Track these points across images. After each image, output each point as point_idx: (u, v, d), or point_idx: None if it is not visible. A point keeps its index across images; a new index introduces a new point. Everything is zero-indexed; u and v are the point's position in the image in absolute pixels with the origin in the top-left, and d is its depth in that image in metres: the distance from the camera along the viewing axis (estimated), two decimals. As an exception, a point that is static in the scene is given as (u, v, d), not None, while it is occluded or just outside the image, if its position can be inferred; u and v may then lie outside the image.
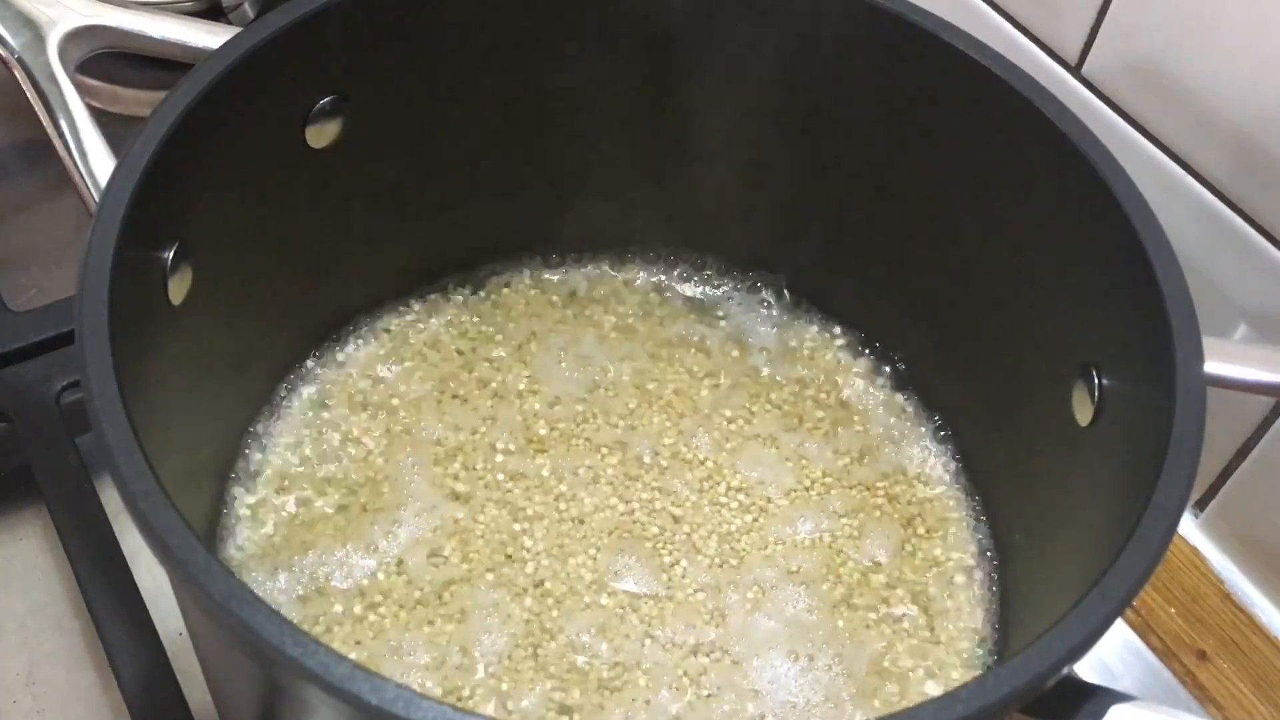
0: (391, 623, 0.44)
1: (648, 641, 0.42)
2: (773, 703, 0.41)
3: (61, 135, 0.42)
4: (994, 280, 0.48)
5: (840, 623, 0.45)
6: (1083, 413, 0.43)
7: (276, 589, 0.45)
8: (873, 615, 0.46)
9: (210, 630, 0.37)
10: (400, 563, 0.46)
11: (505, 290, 0.55)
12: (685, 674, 0.41)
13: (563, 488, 0.48)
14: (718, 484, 0.49)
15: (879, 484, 0.50)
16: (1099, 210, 0.41)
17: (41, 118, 0.42)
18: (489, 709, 0.40)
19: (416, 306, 0.54)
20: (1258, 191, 0.50)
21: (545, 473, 0.48)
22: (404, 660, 0.42)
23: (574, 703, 0.40)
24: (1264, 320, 0.52)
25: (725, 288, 0.56)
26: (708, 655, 0.42)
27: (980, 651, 0.47)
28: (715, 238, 0.56)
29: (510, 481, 0.48)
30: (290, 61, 0.42)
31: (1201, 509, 0.58)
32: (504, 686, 0.40)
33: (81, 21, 0.44)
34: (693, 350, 0.54)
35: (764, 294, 0.56)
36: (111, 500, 0.51)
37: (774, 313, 0.55)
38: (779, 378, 0.53)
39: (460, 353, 0.53)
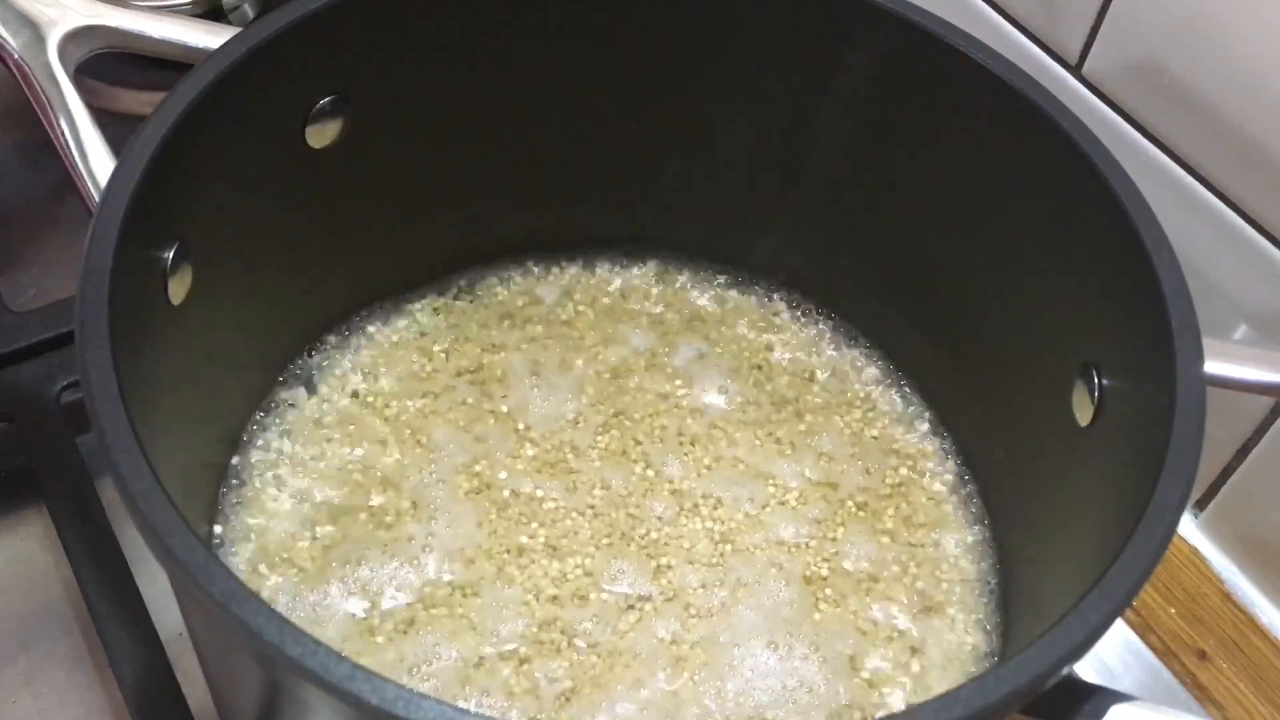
0: (401, 617, 0.44)
1: (641, 631, 0.44)
2: (752, 687, 0.43)
3: (61, 135, 0.42)
4: (994, 280, 0.48)
5: (818, 616, 0.46)
6: (1083, 413, 0.43)
7: (273, 586, 0.45)
8: (861, 611, 0.46)
9: (210, 630, 0.37)
10: (402, 562, 0.46)
11: (506, 292, 0.55)
12: (675, 659, 0.43)
13: (558, 497, 0.48)
14: (712, 482, 0.49)
15: (876, 483, 0.50)
16: (1099, 210, 0.41)
17: (41, 118, 0.42)
18: (505, 675, 0.42)
19: (416, 307, 0.54)
20: (1258, 191, 0.50)
21: (538, 489, 0.48)
22: (421, 648, 0.43)
23: (577, 683, 0.42)
24: (1264, 320, 0.52)
25: (722, 288, 0.56)
26: (695, 644, 0.44)
27: (969, 651, 0.47)
28: (712, 239, 0.56)
29: (509, 491, 0.48)
30: (290, 61, 0.43)
31: (1201, 509, 0.58)
32: (516, 666, 0.42)
33: (81, 21, 0.44)
34: (689, 351, 0.54)
35: (761, 293, 0.56)
36: (111, 500, 0.51)
37: (770, 312, 0.55)
38: (775, 376, 0.53)
39: (459, 355, 0.53)
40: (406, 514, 0.47)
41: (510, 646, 0.43)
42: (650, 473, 0.49)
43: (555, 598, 0.45)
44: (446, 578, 0.45)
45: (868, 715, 0.44)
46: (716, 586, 0.46)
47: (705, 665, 0.44)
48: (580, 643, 0.43)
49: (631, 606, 0.45)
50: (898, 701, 0.45)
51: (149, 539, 0.31)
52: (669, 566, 0.46)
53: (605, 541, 0.47)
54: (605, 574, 0.45)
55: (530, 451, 0.49)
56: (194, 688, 0.47)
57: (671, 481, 0.49)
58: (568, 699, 0.42)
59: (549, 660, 0.42)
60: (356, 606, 0.44)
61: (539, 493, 0.48)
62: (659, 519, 0.47)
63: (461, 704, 0.39)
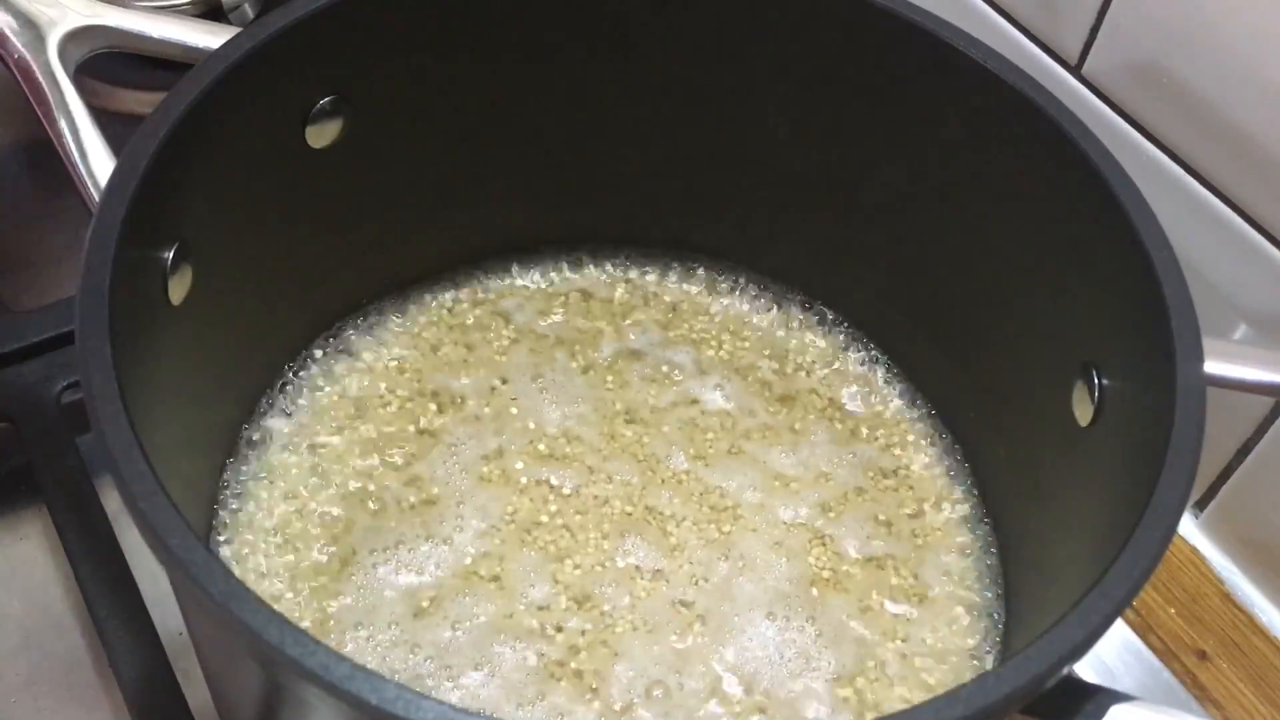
0: (442, 585, 0.46)
1: (654, 598, 0.46)
2: (751, 655, 0.45)
3: (61, 135, 0.42)
4: (994, 280, 0.48)
5: (815, 592, 0.47)
6: (1083, 413, 0.43)
7: (274, 587, 0.46)
8: (858, 592, 0.47)
9: (210, 630, 0.37)
10: (437, 542, 0.47)
11: (506, 292, 0.55)
12: (685, 623, 0.46)
13: (572, 485, 0.49)
14: (715, 472, 0.50)
15: (875, 479, 0.51)
16: (1099, 210, 0.41)
17: (41, 118, 0.42)
18: (533, 626, 0.45)
19: (417, 307, 0.54)
20: (1258, 191, 0.50)
21: (553, 478, 0.49)
22: (460, 607, 0.45)
23: (597, 635, 0.45)
24: (1264, 320, 0.52)
25: (722, 287, 0.56)
26: (700, 613, 0.46)
27: (966, 649, 0.47)
28: (713, 239, 0.56)
29: (527, 479, 0.49)
30: (290, 61, 0.43)
31: (1201, 509, 0.58)
32: (543, 620, 0.46)
33: (81, 21, 0.44)
34: (690, 349, 0.54)
35: (761, 293, 0.56)
36: (111, 500, 0.51)
37: (769, 311, 0.55)
38: (774, 374, 0.53)
39: (461, 355, 0.53)
40: (432, 501, 0.48)
41: (538, 605, 0.46)
42: (656, 464, 0.50)
43: (576, 567, 0.47)
44: (478, 551, 0.47)
45: (859, 686, 0.45)
46: (720, 562, 0.47)
47: (709, 632, 0.46)
48: (600, 606, 0.46)
49: (644, 577, 0.47)
50: (889, 680, 0.46)
51: (149, 539, 0.31)
52: (676, 545, 0.48)
53: (618, 523, 0.48)
54: (620, 549, 0.47)
55: (542, 446, 0.50)
56: (194, 688, 0.47)
57: (676, 471, 0.50)
58: (589, 649, 0.45)
59: (571, 616, 0.45)
60: (400, 581, 0.46)
61: (554, 480, 0.49)
62: (666, 504, 0.49)
63: (496, 649, 0.44)
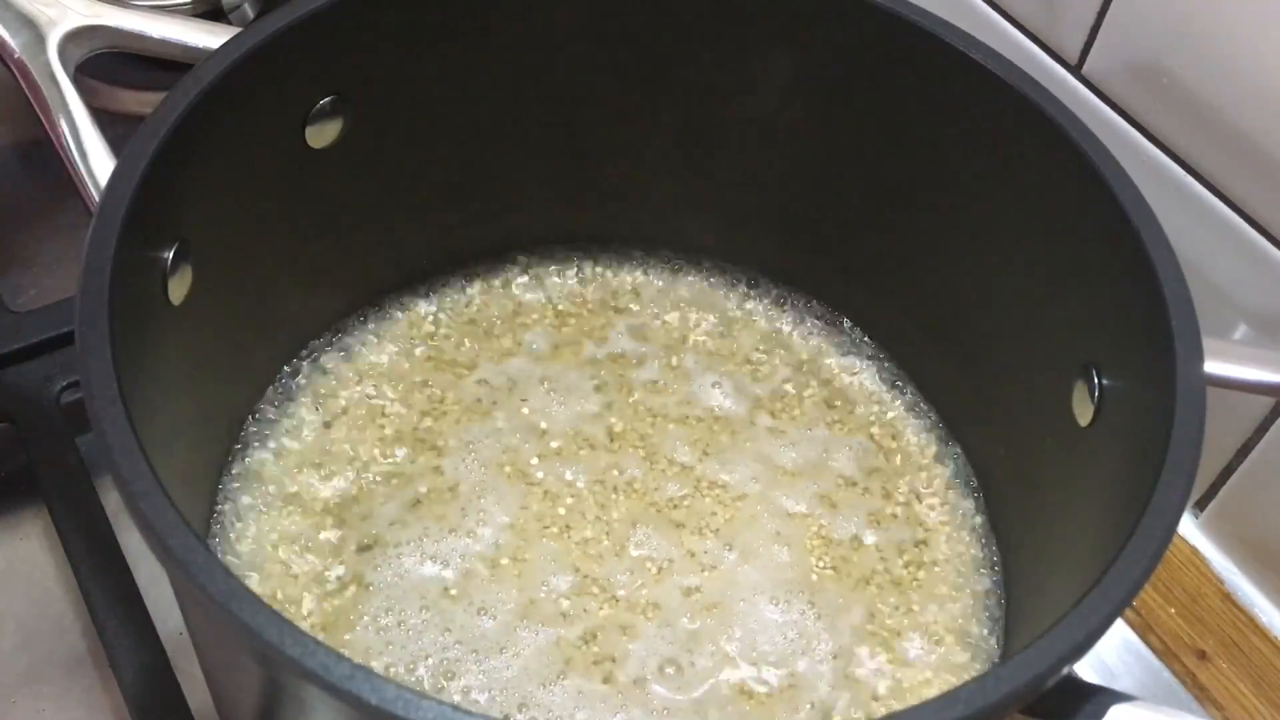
0: (469, 574, 0.47)
1: (665, 585, 0.48)
2: (756, 636, 0.47)
3: (61, 135, 0.42)
4: (994, 279, 0.48)
5: (814, 578, 0.48)
6: (1083, 413, 0.43)
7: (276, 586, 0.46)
8: (856, 580, 0.48)
9: (210, 630, 0.37)
10: (461, 535, 0.47)
11: (505, 291, 0.55)
12: (694, 608, 0.47)
13: (585, 480, 0.50)
14: (718, 465, 0.51)
15: (876, 478, 0.51)
16: (1099, 210, 0.41)
17: (41, 118, 0.42)
18: (554, 613, 0.47)
19: (417, 306, 0.54)
20: (1258, 191, 0.50)
21: (566, 473, 0.50)
22: (487, 595, 0.47)
23: (614, 619, 0.47)
24: (1264, 320, 0.52)
25: (723, 287, 0.56)
26: (707, 598, 0.48)
27: (963, 646, 0.47)
28: (713, 239, 0.56)
29: (541, 474, 0.50)
30: (290, 61, 0.43)
31: (1201, 509, 0.58)
32: (565, 606, 0.47)
33: (81, 21, 0.44)
34: (690, 349, 0.54)
35: (761, 292, 0.56)
36: (111, 500, 0.51)
37: (770, 310, 0.55)
38: (774, 373, 0.53)
39: (461, 354, 0.53)
40: (453, 497, 0.49)
41: (557, 593, 0.47)
42: (662, 459, 0.51)
43: (593, 557, 0.48)
44: (500, 543, 0.48)
45: (856, 669, 0.46)
46: (725, 550, 0.49)
47: (717, 615, 0.47)
48: (616, 592, 0.47)
49: (654, 565, 0.48)
50: (885, 664, 0.46)
51: (149, 539, 0.31)
52: (684, 535, 0.49)
53: (629, 515, 0.49)
54: (632, 540, 0.49)
55: (554, 444, 0.51)
56: (194, 688, 0.47)
57: (681, 466, 0.51)
58: (605, 632, 0.46)
59: (588, 602, 0.47)
60: (426, 572, 0.47)
61: (568, 476, 0.50)
62: (673, 496, 0.50)
63: (520, 633, 0.45)
